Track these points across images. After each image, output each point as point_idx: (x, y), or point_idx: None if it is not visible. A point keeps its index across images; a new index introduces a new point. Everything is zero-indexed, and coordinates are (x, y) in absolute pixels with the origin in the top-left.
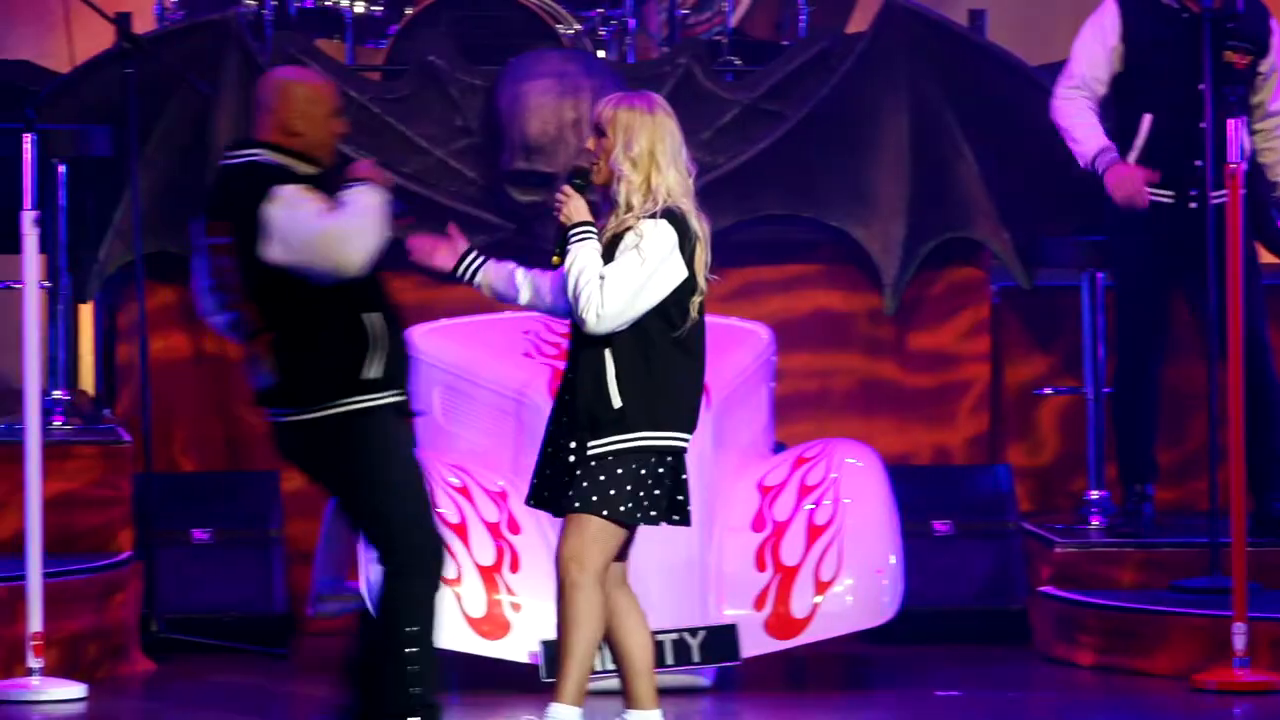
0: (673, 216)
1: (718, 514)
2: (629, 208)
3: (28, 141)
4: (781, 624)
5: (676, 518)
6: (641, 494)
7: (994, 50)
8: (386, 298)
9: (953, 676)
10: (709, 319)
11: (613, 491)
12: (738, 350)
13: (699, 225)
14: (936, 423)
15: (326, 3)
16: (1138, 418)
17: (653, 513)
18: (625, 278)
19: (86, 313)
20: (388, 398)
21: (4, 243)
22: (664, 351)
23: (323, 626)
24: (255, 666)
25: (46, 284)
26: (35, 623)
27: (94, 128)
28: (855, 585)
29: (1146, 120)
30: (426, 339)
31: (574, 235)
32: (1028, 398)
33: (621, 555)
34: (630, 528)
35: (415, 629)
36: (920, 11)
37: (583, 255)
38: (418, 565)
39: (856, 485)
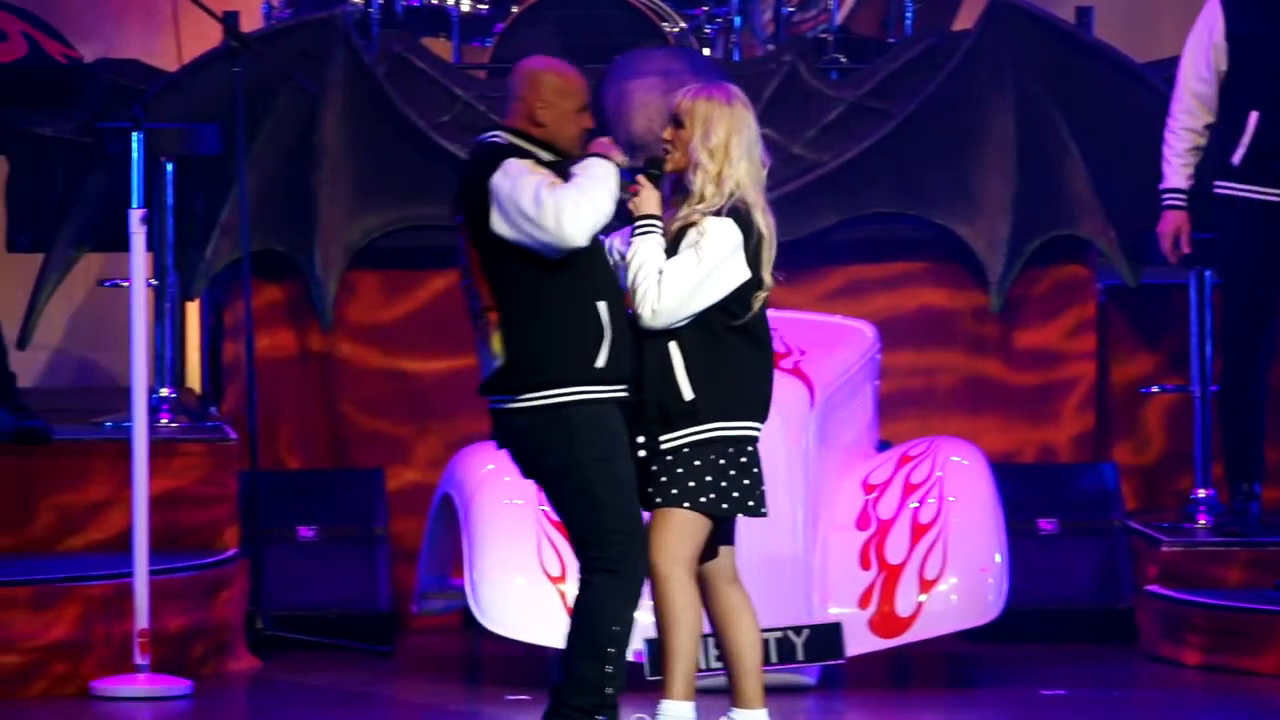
0: (738, 215)
1: (822, 512)
2: (701, 199)
3: (135, 140)
4: (886, 622)
5: (752, 505)
6: (723, 484)
7: (1101, 47)
8: (616, 288)
9: (1058, 676)
10: (813, 317)
11: (692, 483)
12: (842, 348)
13: (765, 222)
14: (1042, 421)
15: (433, 1)
16: (1245, 416)
17: (737, 503)
18: (683, 275)
19: (193, 311)
20: (614, 391)
21: (112, 241)
22: (729, 343)
23: (427, 624)
24: (359, 664)
25: (153, 282)
26: (142, 619)
27: (201, 126)
28: (960, 584)
29: (1253, 118)
30: None
31: (638, 228)
32: (1134, 396)
33: (714, 551)
34: (715, 519)
35: (617, 629)
36: (1027, 8)
37: (644, 249)
38: (622, 566)
39: (961, 483)
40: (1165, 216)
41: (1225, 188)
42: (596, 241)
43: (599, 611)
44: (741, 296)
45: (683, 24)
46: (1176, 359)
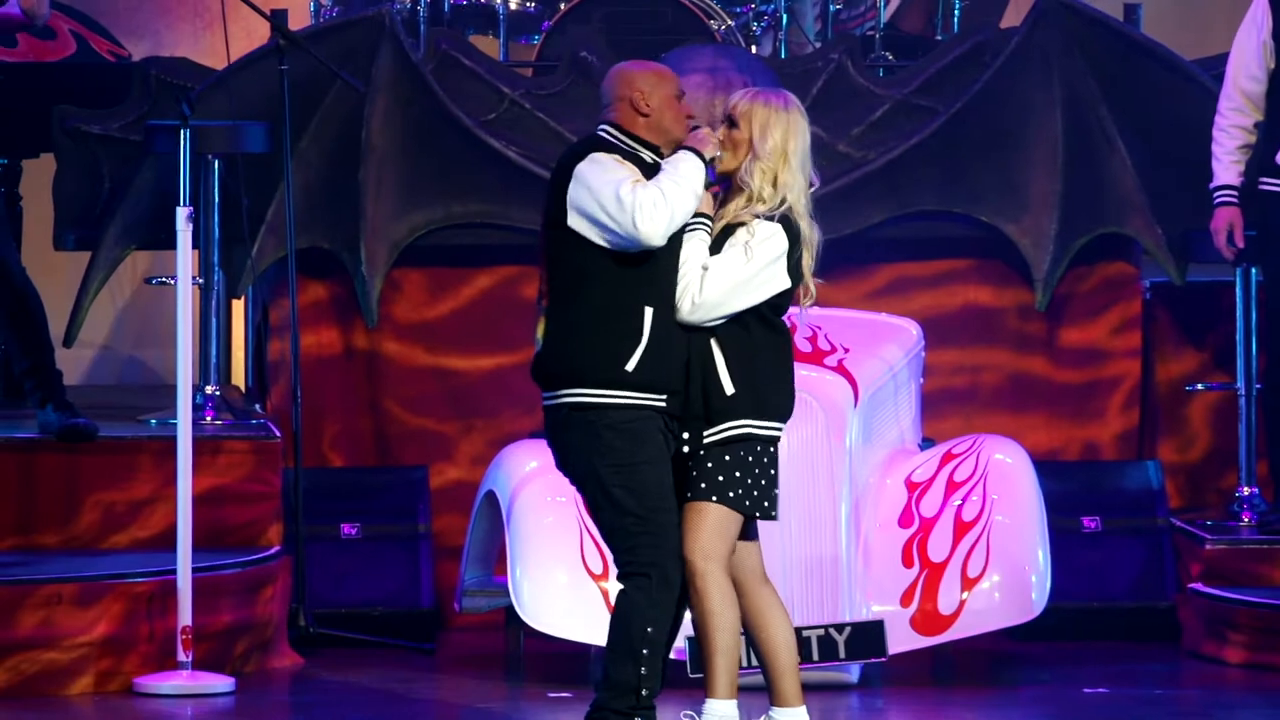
0: (788, 223)
1: (865, 510)
2: (759, 199)
3: (183, 138)
4: (928, 620)
5: (766, 507)
6: (750, 482)
7: (1149, 45)
8: (670, 295)
9: (1100, 674)
10: (858, 314)
11: (722, 478)
12: (887, 345)
13: (811, 232)
14: (1086, 418)
15: None
16: None
17: (747, 503)
18: (727, 272)
19: (239, 309)
20: (648, 399)
21: (159, 238)
22: (765, 344)
23: (470, 622)
24: (402, 662)
25: (199, 280)
26: (185, 616)
27: (249, 124)
28: (1003, 581)
29: None
30: None
31: (688, 225)
32: (1179, 393)
33: (741, 548)
34: (745, 516)
35: (650, 631)
36: (1075, 6)
37: (691, 246)
38: (653, 570)
39: (1005, 481)
40: (1218, 213)
41: (1270, 184)
42: (670, 245)
43: (631, 615)
44: (778, 306)
45: (730, 21)
46: (1222, 357)
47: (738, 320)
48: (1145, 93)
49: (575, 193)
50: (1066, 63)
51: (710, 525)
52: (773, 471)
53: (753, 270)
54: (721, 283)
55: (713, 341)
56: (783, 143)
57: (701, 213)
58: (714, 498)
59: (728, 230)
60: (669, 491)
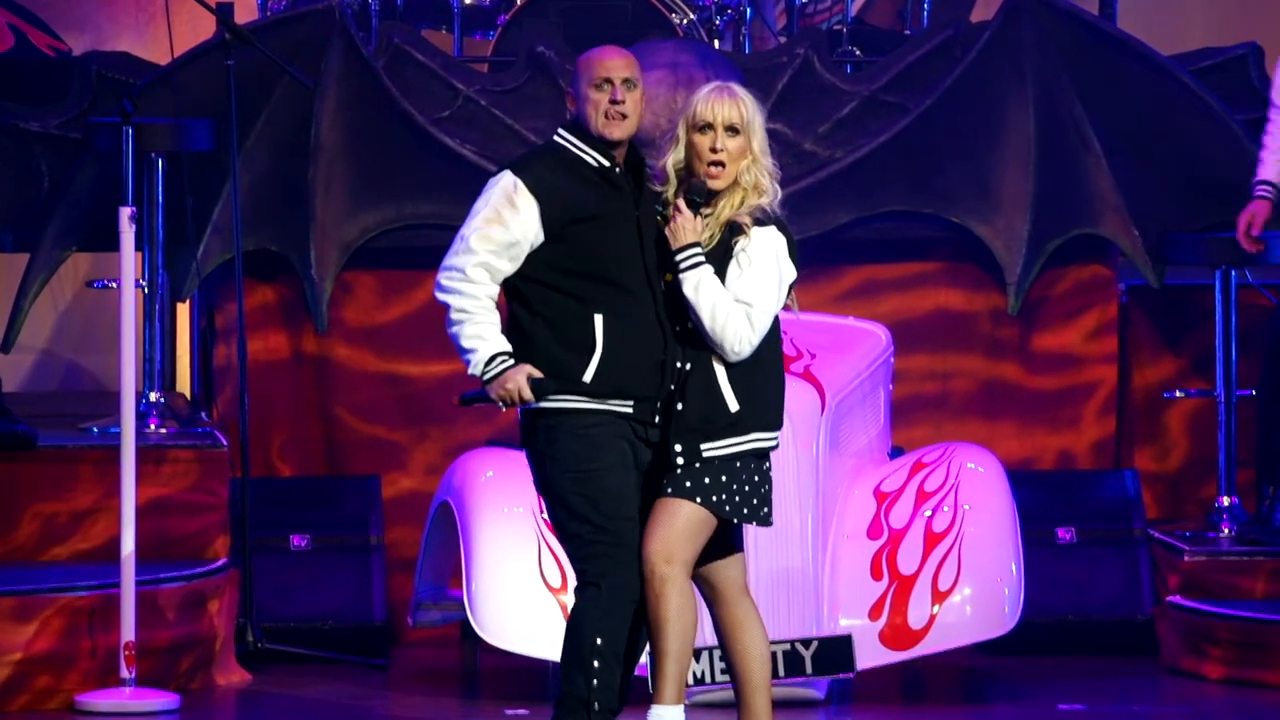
0: (781, 224)
1: (833, 521)
2: (760, 192)
3: (125, 135)
4: (898, 634)
5: (765, 514)
6: (736, 487)
7: (1125, 39)
8: (635, 300)
9: (1076, 689)
10: (824, 319)
11: (708, 480)
12: (855, 351)
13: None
14: (1061, 426)
15: None
16: None
17: (744, 509)
18: (767, 302)
19: (184, 312)
20: (609, 404)
21: (100, 239)
22: (767, 349)
23: (424, 636)
24: (353, 678)
25: (143, 283)
26: (128, 631)
27: (193, 121)
28: (974, 595)
29: None
30: None
31: (685, 260)
32: (1156, 400)
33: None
34: (721, 521)
35: (600, 643)
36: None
37: (708, 286)
38: (604, 581)
39: (977, 491)
40: (1249, 205)
41: None
42: (611, 253)
43: (581, 626)
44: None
45: (691, 15)
46: (1200, 362)
47: None
48: (1121, 89)
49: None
50: (1040, 58)
51: (680, 525)
52: (760, 477)
53: (777, 283)
54: (766, 312)
55: (714, 356)
56: (764, 140)
57: (693, 242)
58: (697, 499)
59: (729, 232)
60: (629, 500)
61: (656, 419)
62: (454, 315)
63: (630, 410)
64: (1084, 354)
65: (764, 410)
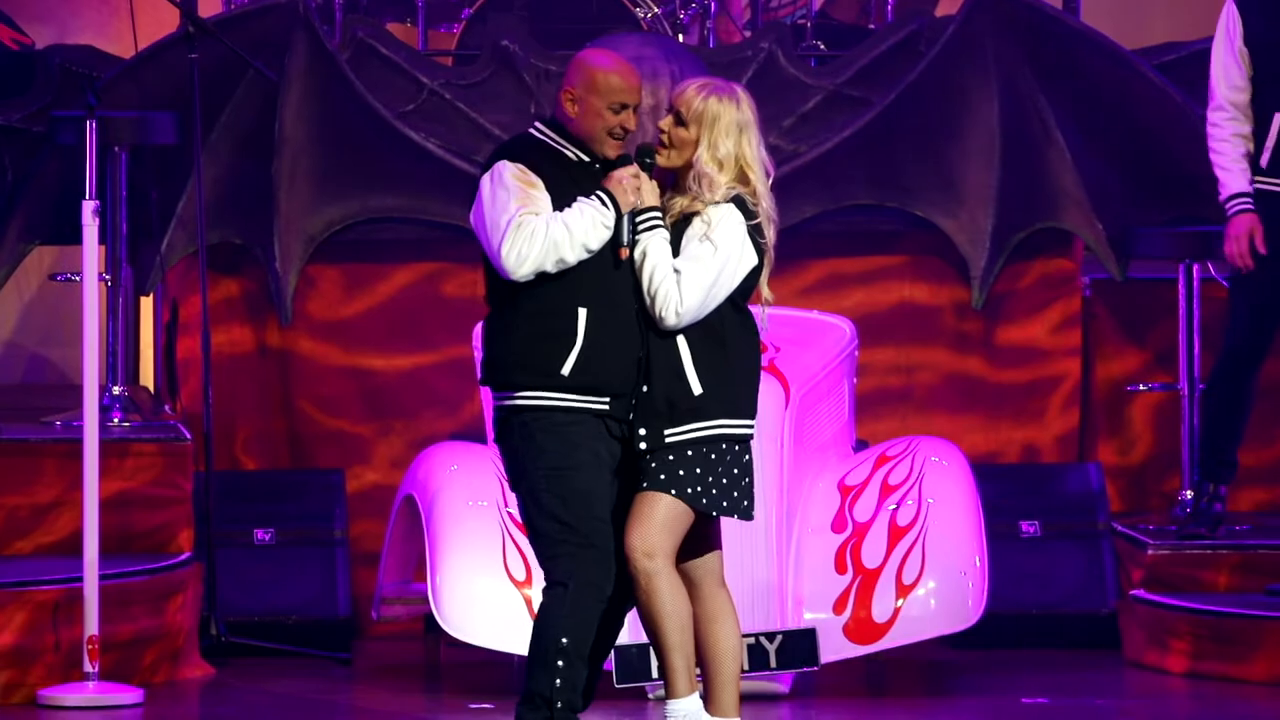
0: (740, 201)
1: (797, 514)
2: (702, 197)
3: (88, 129)
4: (862, 628)
5: (745, 507)
6: (711, 479)
7: (1089, 34)
8: (617, 294)
9: (1039, 683)
10: (788, 312)
11: (682, 472)
12: (819, 344)
13: (767, 204)
14: (1025, 420)
15: None
16: (1230, 414)
17: (722, 502)
18: (701, 271)
19: (147, 306)
20: (585, 402)
21: (64, 233)
22: (735, 336)
23: (388, 630)
24: (317, 672)
25: (106, 276)
26: (91, 625)
27: (157, 115)
28: (939, 588)
29: (1276, 119)
30: None
31: (642, 222)
32: (1120, 394)
33: (702, 551)
34: (696, 513)
35: (565, 642)
36: None
37: (654, 248)
38: (570, 580)
39: (941, 485)
40: (1237, 221)
41: (1254, 182)
42: (603, 246)
43: (545, 625)
44: (745, 289)
45: (656, 9)
46: (1164, 356)
47: (711, 314)
48: (1085, 84)
49: (476, 202)
50: (1004, 53)
51: (658, 518)
52: (740, 470)
53: (723, 259)
54: (699, 283)
55: (680, 339)
56: (737, 149)
57: (655, 206)
58: (672, 491)
59: (684, 222)
60: (600, 500)
61: (631, 415)
62: (545, 237)
63: (606, 408)
64: (1048, 347)
65: (730, 396)
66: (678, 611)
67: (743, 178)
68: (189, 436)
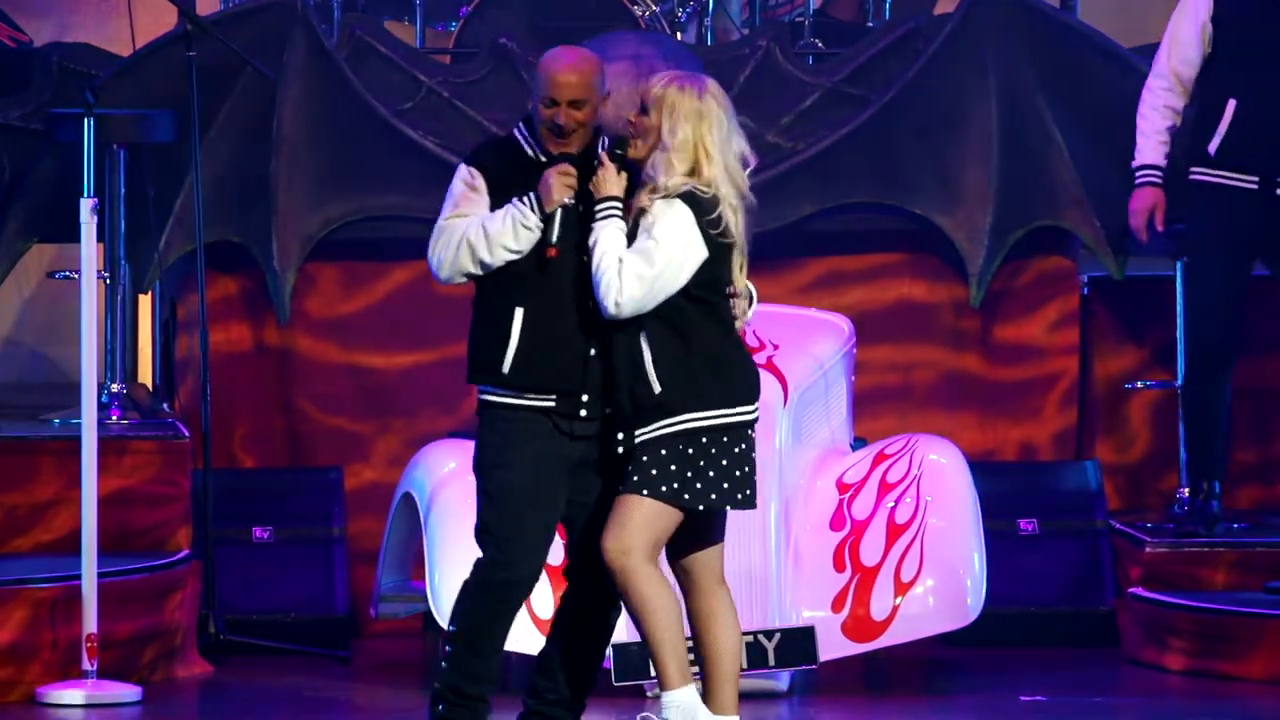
0: (690, 197)
1: (795, 512)
2: (658, 189)
3: (87, 127)
4: (860, 626)
5: (740, 499)
6: (691, 474)
7: (1086, 32)
8: (561, 293)
9: (1038, 681)
10: (787, 309)
11: (655, 471)
12: (817, 342)
13: (728, 190)
14: (1023, 417)
15: None
16: (1208, 411)
17: (710, 495)
18: (642, 264)
19: (146, 304)
20: (527, 398)
21: (62, 231)
22: (697, 327)
23: (386, 628)
24: (316, 670)
25: (104, 274)
26: (89, 624)
27: (155, 113)
28: (937, 586)
29: (1231, 105)
30: None
31: (599, 211)
32: (1118, 391)
33: (697, 548)
34: (684, 511)
35: (454, 630)
36: None
37: (605, 236)
38: (477, 572)
39: (939, 482)
40: (1140, 194)
41: (1200, 174)
42: (536, 247)
43: (451, 613)
44: (711, 280)
45: (654, 7)
46: (1161, 353)
47: (672, 307)
48: (1083, 82)
49: None
50: (1002, 50)
51: (633, 518)
52: (730, 460)
53: (665, 254)
54: (639, 275)
55: (642, 336)
56: (695, 136)
57: (612, 195)
58: (644, 491)
59: (641, 214)
60: (529, 497)
61: (582, 412)
62: (459, 241)
63: (552, 404)
64: (1046, 345)
65: (696, 390)
66: (660, 606)
67: (698, 168)
68: (187, 434)
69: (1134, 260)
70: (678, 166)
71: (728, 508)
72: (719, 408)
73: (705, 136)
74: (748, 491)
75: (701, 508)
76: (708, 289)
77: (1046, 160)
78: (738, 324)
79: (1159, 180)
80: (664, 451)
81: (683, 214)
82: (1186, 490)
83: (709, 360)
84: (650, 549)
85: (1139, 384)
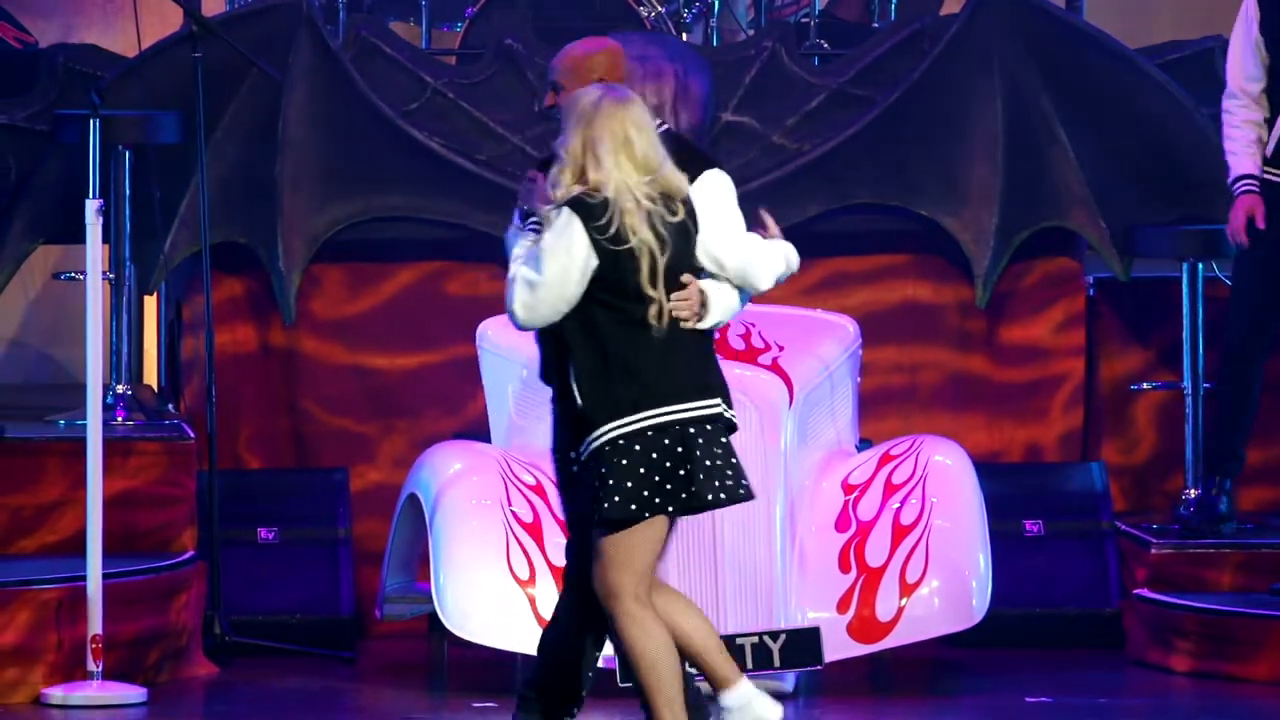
0: (578, 203)
1: (800, 513)
2: (554, 199)
3: (92, 128)
4: (865, 627)
5: (686, 499)
6: (630, 485)
7: (1092, 32)
8: None
9: (1043, 682)
10: (792, 311)
11: (600, 492)
12: (823, 343)
13: (630, 201)
14: (1028, 419)
15: None
16: (1238, 409)
17: (655, 500)
18: (531, 271)
19: (151, 305)
20: None
21: (67, 232)
22: (610, 333)
23: (391, 629)
24: (321, 671)
25: (110, 275)
26: (95, 625)
27: (161, 114)
28: (942, 587)
29: None
30: (500, 332)
31: (528, 225)
32: (1123, 393)
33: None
34: (634, 522)
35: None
36: None
37: (516, 250)
38: None
39: (944, 484)
40: (1241, 201)
41: (1264, 174)
42: None
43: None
44: (612, 286)
45: (660, 7)
46: (1168, 355)
47: (581, 318)
48: (1089, 82)
49: None
50: (1007, 51)
51: (610, 559)
52: (673, 462)
53: (551, 260)
54: (529, 282)
55: (569, 355)
56: (581, 141)
57: (535, 209)
58: (600, 528)
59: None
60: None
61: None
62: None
63: None
64: (1051, 347)
65: (613, 399)
66: (659, 652)
67: (585, 174)
68: (192, 435)
69: (1140, 261)
70: (568, 174)
71: (677, 514)
72: (634, 412)
73: (601, 144)
74: (693, 491)
75: (649, 515)
76: (614, 294)
77: (1052, 161)
78: (657, 329)
79: (1256, 189)
80: (603, 469)
81: (567, 220)
82: (1192, 491)
83: (624, 368)
84: (636, 585)
85: (1145, 385)
